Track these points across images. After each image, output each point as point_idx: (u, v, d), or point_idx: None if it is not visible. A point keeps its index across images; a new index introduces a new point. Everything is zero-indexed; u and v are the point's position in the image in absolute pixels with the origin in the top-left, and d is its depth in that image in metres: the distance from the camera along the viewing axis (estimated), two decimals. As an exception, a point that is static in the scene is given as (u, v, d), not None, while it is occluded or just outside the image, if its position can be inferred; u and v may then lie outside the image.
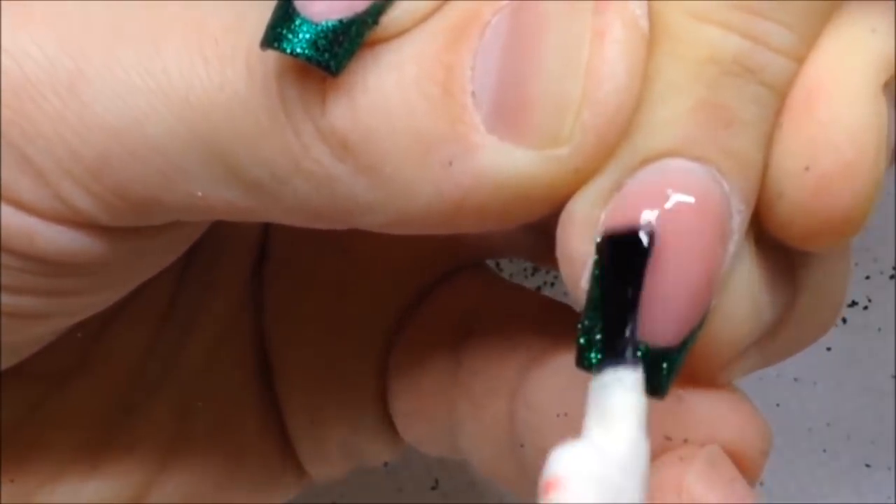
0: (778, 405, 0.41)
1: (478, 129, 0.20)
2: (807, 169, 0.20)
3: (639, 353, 0.20)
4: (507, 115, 0.20)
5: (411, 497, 0.41)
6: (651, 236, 0.20)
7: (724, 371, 0.22)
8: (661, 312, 0.20)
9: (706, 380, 0.22)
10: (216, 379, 0.29)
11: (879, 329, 0.41)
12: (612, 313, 0.20)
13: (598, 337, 0.20)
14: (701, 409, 0.22)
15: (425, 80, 0.21)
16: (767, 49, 0.20)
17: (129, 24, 0.22)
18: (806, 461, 0.41)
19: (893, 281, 0.41)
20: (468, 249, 0.29)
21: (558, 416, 0.24)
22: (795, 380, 0.41)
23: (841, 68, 0.20)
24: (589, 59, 0.20)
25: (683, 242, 0.20)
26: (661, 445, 0.22)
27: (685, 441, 0.22)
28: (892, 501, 0.40)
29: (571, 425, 0.22)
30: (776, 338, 0.22)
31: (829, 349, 0.40)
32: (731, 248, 0.20)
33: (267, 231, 0.30)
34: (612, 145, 0.20)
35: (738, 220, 0.20)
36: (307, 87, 0.21)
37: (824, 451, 0.41)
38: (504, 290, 0.29)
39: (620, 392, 0.19)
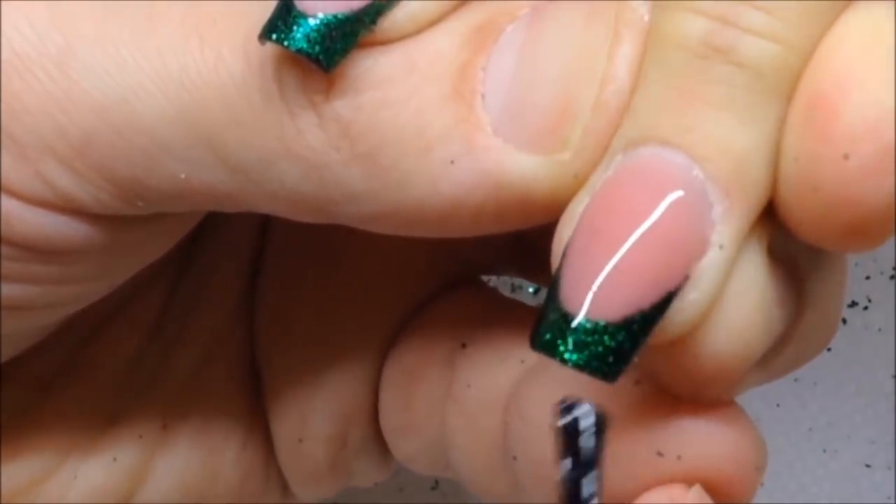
0: (778, 405, 0.41)
1: (484, 130, 0.21)
2: (846, 156, 0.19)
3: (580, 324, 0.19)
4: (516, 118, 0.21)
5: (411, 497, 0.41)
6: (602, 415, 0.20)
7: (728, 387, 0.21)
8: (601, 288, 0.19)
9: (710, 397, 0.21)
10: (202, 392, 0.29)
11: (879, 329, 0.41)
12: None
13: (549, 316, 0.20)
14: (694, 425, 0.21)
15: (437, 78, 0.21)
16: (737, 29, 0.20)
17: (125, 2, 0.22)
18: (806, 461, 0.41)
19: (893, 281, 0.41)
20: (461, 265, 0.29)
21: (550, 427, 0.24)
22: (795, 380, 0.41)
23: (871, 49, 0.20)
24: (605, 68, 0.20)
25: (624, 214, 0.19)
26: (653, 462, 0.21)
27: (678, 457, 0.21)
28: (892, 501, 0.40)
29: None
30: (780, 354, 0.22)
31: (829, 349, 0.40)
32: (714, 238, 0.19)
33: (261, 245, 0.30)
34: (606, 146, 0.20)
35: (720, 211, 0.20)
36: (309, 73, 0.21)
37: (824, 451, 0.41)
38: (498, 304, 0.29)
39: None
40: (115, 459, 0.28)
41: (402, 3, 0.21)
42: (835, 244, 0.20)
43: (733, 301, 0.20)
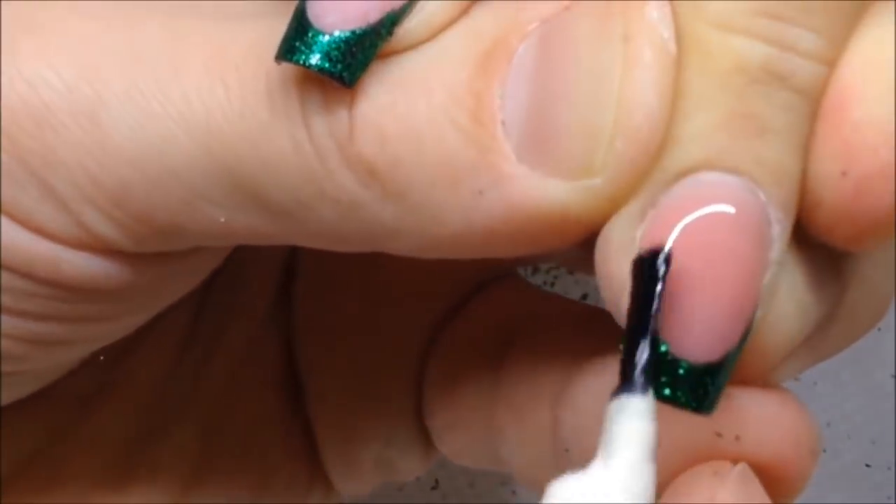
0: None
1: (509, 158, 0.20)
2: (844, 174, 0.19)
3: (663, 378, 0.19)
4: (538, 144, 0.20)
5: (411, 497, 0.41)
6: (669, 254, 0.19)
7: (773, 373, 0.21)
8: (699, 328, 0.19)
9: (756, 382, 0.21)
10: (240, 401, 0.29)
11: (879, 329, 0.40)
12: (631, 337, 0.20)
13: (652, 359, 0.20)
14: (751, 407, 0.21)
15: (455, 109, 0.20)
16: (795, 54, 0.20)
17: (149, 50, 0.22)
18: (806, 461, 0.41)
19: (894, 281, 0.41)
20: (499, 260, 0.29)
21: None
22: (796, 380, 0.41)
23: (871, 68, 0.20)
24: (620, 87, 0.20)
25: (718, 255, 0.19)
26: (712, 443, 0.21)
27: (737, 438, 0.21)
28: (892, 501, 0.41)
29: None
30: (827, 333, 0.22)
31: (829, 349, 0.40)
32: (774, 256, 0.20)
33: (294, 250, 0.29)
34: (646, 171, 0.20)
35: (779, 230, 0.20)
36: (333, 114, 0.21)
37: (824, 451, 0.41)
38: (540, 299, 0.28)
39: (626, 420, 0.19)
40: (155, 477, 0.28)
41: (415, 10, 0.21)
42: (844, 248, 0.21)
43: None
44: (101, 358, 0.26)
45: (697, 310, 0.19)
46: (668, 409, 0.21)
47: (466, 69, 0.20)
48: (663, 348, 0.19)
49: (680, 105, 0.20)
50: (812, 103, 0.20)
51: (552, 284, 0.40)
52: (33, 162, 0.22)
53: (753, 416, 0.21)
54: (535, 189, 0.20)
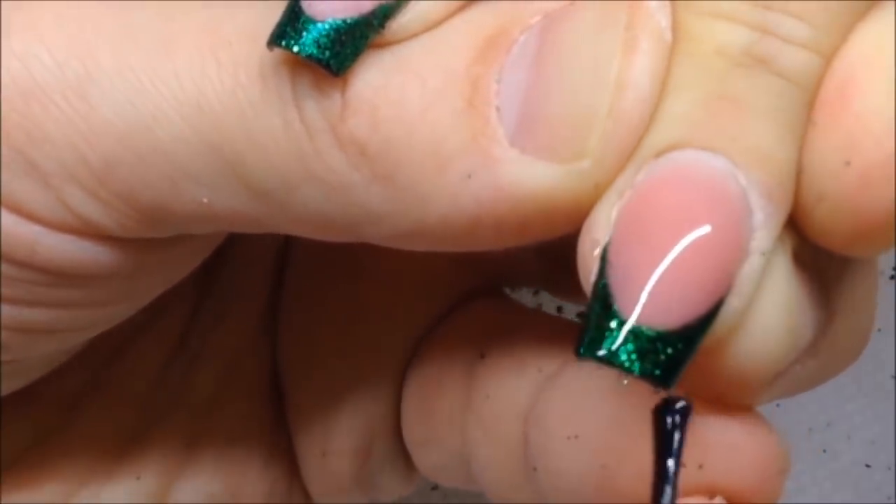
0: (778, 405, 0.41)
1: (500, 142, 0.20)
2: (847, 164, 0.19)
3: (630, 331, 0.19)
4: (531, 129, 0.20)
5: (411, 497, 0.41)
6: (688, 406, 0.19)
7: (755, 395, 0.21)
8: (659, 295, 0.19)
9: (734, 403, 0.21)
10: (225, 407, 0.29)
11: (879, 329, 0.41)
12: (656, 483, 0.20)
13: (604, 324, 0.19)
14: (714, 435, 0.21)
15: (450, 93, 0.20)
16: (779, 39, 0.20)
17: (141, 27, 0.22)
18: (806, 461, 0.41)
19: (893, 281, 0.41)
20: (482, 277, 0.29)
21: (569, 438, 0.23)
22: (795, 380, 0.41)
23: (872, 59, 0.20)
24: (618, 75, 0.20)
25: (685, 225, 0.19)
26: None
27: (700, 466, 0.21)
28: (893, 501, 0.40)
29: (581, 448, 0.22)
30: (806, 364, 0.22)
31: (829, 349, 0.40)
32: (756, 245, 0.19)
33: (283, 262, 0.29)
34: (629, 154, 0.20)
35: (761, 217, 0.19)
36: (325, 94, 0.21)
37: (824, 451, 0.41)
38: (517, 314, 0.28)
39: None
40: (138, 479, 0.28)
41: (410, 4, 0.21)
42: (843, 250, 0.20)
43: (760, 306, 0.20)
44: (89, 361, 0.26)
45: (650, 271, 0.19)
46: (634, 441, 0.21)
47: (466, 56, 0.21)
48: (616, 309, 0.19)
49: (664, 89, 0.20)
50: (801, 90, 0.20)
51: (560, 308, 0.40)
52: (18, 138, 0.22)
53: (716, 443, 0.21)
54: (524, 173, 0.20)
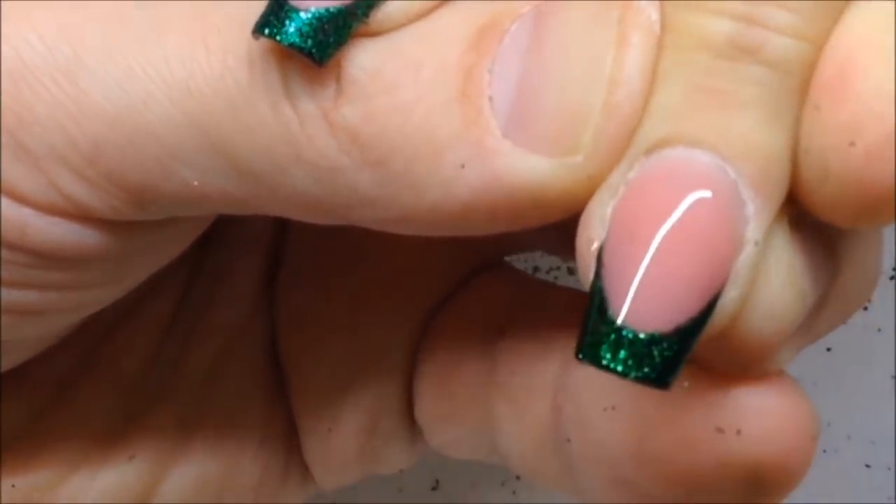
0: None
1: (493, 133, 0.21)
2: (852, 144, 0.20)
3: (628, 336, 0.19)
4: (524, 121, 0.21)
5: (411, 497, 0.41)
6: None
7: (773, 360, 0.21)
8: (649, 297, 0.19)
9: (756, 370, 0.21)
10: (220, 388, 0.29)
11: (879, 329, 0.41)
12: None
13: (598, 328, 0.20)
14: (751, 400, 0.21)
15: (444, 83, 0.21)
16: (764, 28, 0.20)
17: (131, 14, 0.22)
18: (806, 461, 0.41)
19: (893, 281, 0.41)
20: (488, 248, 0.29)
21: (605, 409, 0.23)
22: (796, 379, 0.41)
23: (871, 39, 0.20)
24: (611, 69, 0.20)
25: (674, 226, 0.19)
26: (714, 439, 0.21)
27: (738, 432, 0.21)
28: (893, 501, 0.40)
29: (618, 418, 0.23)
30: (819, 315, 0.22)
31: (829, 349, 0.40)
32: (750, 236, 0.20)
33: (281, 240, 0.30)
34: (623, 148, 0.20)
35: (753, 209, 0.20)
36: (318, 81, 0.21)
37: (824, 451, 0.41)
38: (532, 287, 0.29)
39: None
40: (132, 459, 0.28)
41: None
42: (848, 224, 0.21)
43: (762, 281, 0.20)
44: (81, 341, 0.26)
45: (650, 279, 0.19)
46: (671, 411, 0.21)
47: (458, 46, 0.21)
48: (610, 314, 0.19)
49: (653, 82, 0.20)
50: (790, 77, 0.20)
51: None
52: (8, 120, 0.22)
53: (753, 408, 0.21)
54: (516, 164, 0.20)
